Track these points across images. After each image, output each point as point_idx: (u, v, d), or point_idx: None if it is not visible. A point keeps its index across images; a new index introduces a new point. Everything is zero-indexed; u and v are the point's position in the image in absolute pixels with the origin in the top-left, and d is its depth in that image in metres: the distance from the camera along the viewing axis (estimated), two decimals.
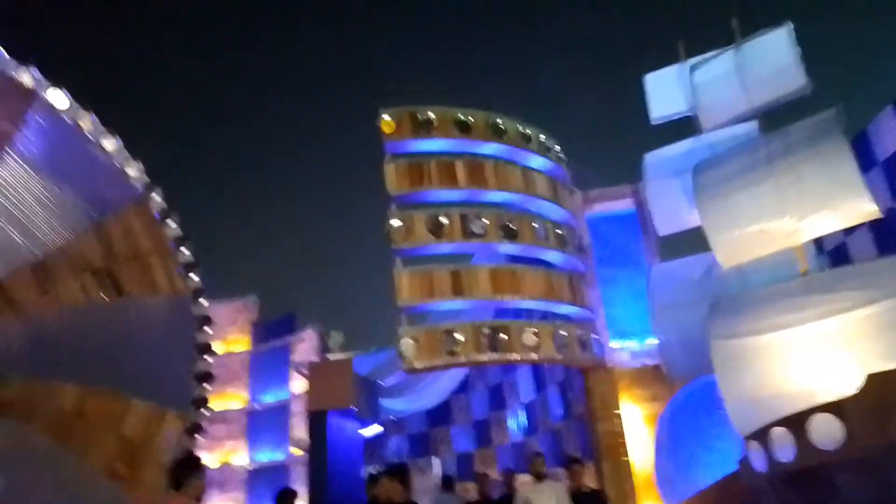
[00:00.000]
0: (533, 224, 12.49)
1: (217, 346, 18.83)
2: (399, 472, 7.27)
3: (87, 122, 12.91)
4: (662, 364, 12.75)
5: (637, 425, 12.98)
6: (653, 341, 13.32)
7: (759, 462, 7.74)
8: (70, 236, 13.86)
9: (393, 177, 11.92)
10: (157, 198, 13.63)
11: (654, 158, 13.54)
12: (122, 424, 13.29)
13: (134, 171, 13.40)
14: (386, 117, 12.23)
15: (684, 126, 13.91)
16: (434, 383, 19.29)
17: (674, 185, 12.94)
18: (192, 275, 14.01)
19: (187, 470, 5.40)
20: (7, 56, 12.25)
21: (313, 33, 55.06)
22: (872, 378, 6.70)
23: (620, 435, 12.53)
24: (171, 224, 13.77)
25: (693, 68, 12.93)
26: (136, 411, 13.38)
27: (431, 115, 12.47)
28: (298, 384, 17.96)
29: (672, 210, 13.07)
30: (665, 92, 13.96)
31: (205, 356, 14.08)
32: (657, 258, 14.49)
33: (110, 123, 13.35)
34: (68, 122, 12.84)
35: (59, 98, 12.69)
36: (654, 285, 12.73)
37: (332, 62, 56.20)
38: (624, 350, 13.92)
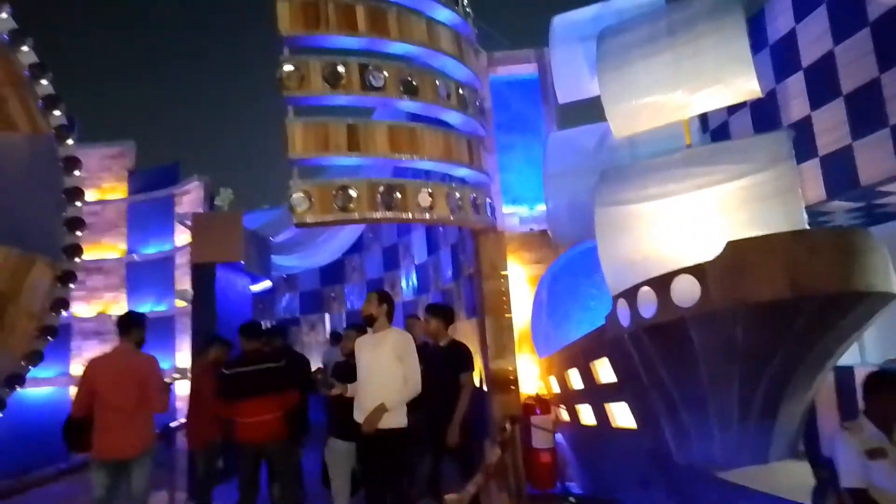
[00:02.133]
0: (435, 81, 12.04)
1: (90, 194, 17.55)
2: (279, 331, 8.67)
3: None
4: (549, 229, 13.31)
5: (521, 285, 13.71)
6: (542, 208, 13.79)
7: (624, 317, 8.42)
8: None
9: (286, 16, 10.89)
10: (5, 16, 11.77)
11: (562, 22, 13.24)
12: None
13: None
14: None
15: None
16: (328, 241, 19.24)
17: (578, 52, 12.83)
18: (55, 111, 12.56)
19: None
20: None
21: None
22: (731, 244, 7.29)
23: (505, 293, 13.22)
24: (26, 49, 12.04)
25: None
26: None
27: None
28: (183, 237, 17.26)
29: (574, 77, 13.06)
30: None
31: (75, 202, 13.03)
32: (555, 126, 14.64)
33: None
34: None
35: None
36: (549, 153, 12.96)
37: None
38: (514, 215, 14.36)
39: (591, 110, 12.90)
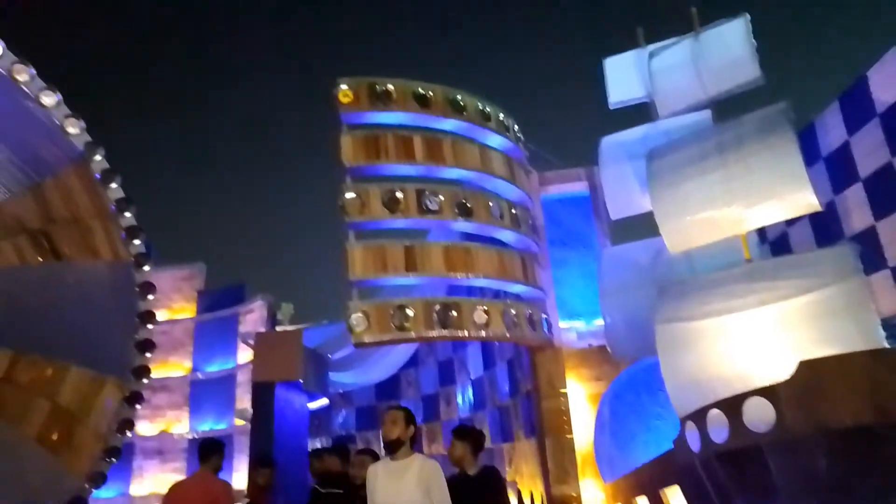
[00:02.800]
0: (488, 202, 12.47)
1: (161, 314, 18.35)
2: (340, 448, 7.58)
3: (25, 75, 12.18)
4: (608, 345, 13.04)
5: (581, 404, 13.28)
6: (599, 322, 13.60)
7: (693, 442, 8.01)
8: (3, 195, 13.17)
9: (349, 148, 11.68)
10: (99, 158, 13.03)
11: (610, 143, 13.67)
12: (56, 392, 12.84)
13: (74, 128, 12.75)
14: (344, 87, 11.94)
15: (641, 112, 14.09)
16: (384, 358, 19.29)
17: (627, 170, 13.12)
18: (135, 240, 13.50)
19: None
20: None
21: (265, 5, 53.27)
22: (804, 365, 6.97)
23: (565, 413, 12.80)
24: (114, 186, 13.20)
25: (651, 55, 13.04)
26: (73, 378, 12.94)
27: (391, 86, 12.24)
28: (245, 355, 17.67)
29: (625, 194, 13.27)
30: (623, 77, 14.06)
31: (147, 324, 13.66)
32: (608, 241, 14.73)
33: (51, 79, 12.63)
34: (4, 75, 12.09)
35: None
36: (604, 268, 12.95)
37: (287, 33, 54.63)
38: (572, 330, 14.18)
39: (643, 225, 13.01)
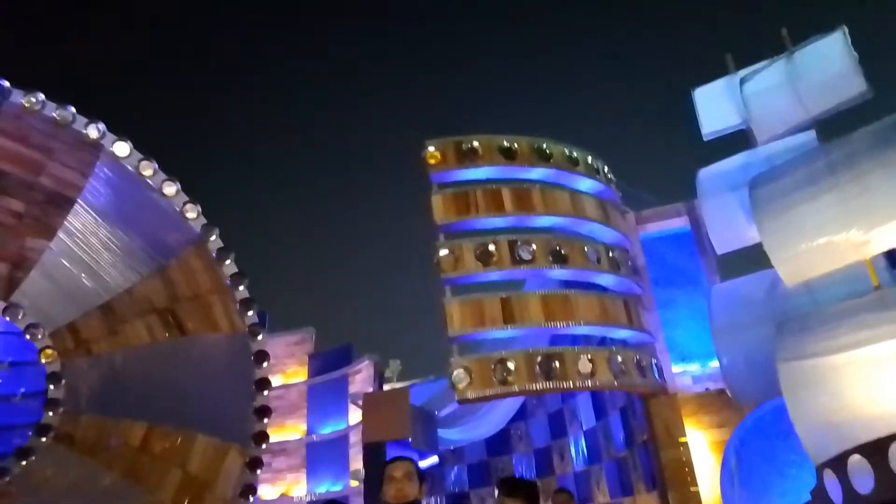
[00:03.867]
0: (584, 247, 12.25)
1: (276, 379, 19.19)
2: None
3: (149, 169, 13.54)
4: (727, 388, 12.19)
5: (703, 453, 12.40)
6: (715, 364, 12.77)
7: (834, 492, 7.24)
8: (135, 279, 14.52)
9: (440, 207, 11.95)
10: (214, 238, 14.13)
11: (708, 174, 13.13)
12: (187, 460, 13.65)
13: (192, 213, 13.94)
14: (431, 148, 12.33)
15: (738, 140, 13.50)
16: (491, 412, 19.05)
17: (730, 201, 12.49)
18: (249, 312, 14.39)
19: None
20: (75, 112, 13.03)
21: (365, 69, 56.45)
22: None
23: (688, 463, 12.00)
24: (228, 262, 14.22)
25: (743, 80, 12.57)
26: (201, 447, 13.73)
27: (476, 143, 12.50)
28: (356, 415, 18.03)
29: (729, 227, 12.60)
30: (715, 106, 13.60)
31: (263, 391, 14.35)
32: (717, 277, 13.96)
33: (167, 168, 13.97)
34: (131, 170, 13.51)
35: (122, 148, 13.39)
36: (715, 306, 12.24)
37: (382, 94, 57.38)
38: (686, 374, 13.40)
39: (753, 258, 12.26)
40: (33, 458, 13.66)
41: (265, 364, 14.54)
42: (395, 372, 22.46)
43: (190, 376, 13.78)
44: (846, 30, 10.72)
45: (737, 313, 11.72)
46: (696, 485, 11.91)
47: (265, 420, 14.39)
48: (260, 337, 14.53)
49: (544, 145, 13.10)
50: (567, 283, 12.96)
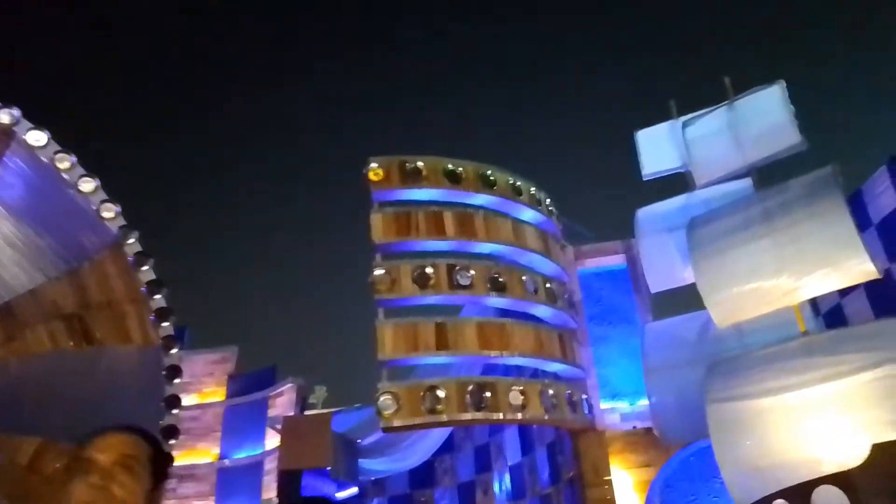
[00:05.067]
0: (522, 277, 12.09)
1: (191, 399, 18.03)
2: None
3: (66, 162, 12.56)
4: (655, 427, 12.17)
5: (628, 492, 12.28)
6: (644, 402, 12.77)
7: None
8: (41, 280, 13.31)
9: (379, 226, 11.56)
10: (132, 241, 13.14)
11: (647, 214, 13.32)
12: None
13: (110, 213, 12.96)
14: (374, 165, 11.98)
15: (677, 182, 13.81)
16: (418, 442, 18.49)
17: (667, 242, 12.67)
18: (164, 322, 13.38)
19: None
20: None
21: (303, 80, 55.70)
22: (879, 448, 6.23)
23: (612, 502, 11.83)
24: (146, 268, 13.22)
25: (685, 125, 12.89)
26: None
27: (421, 164, 12.24)
28: (274, 440, 17.09)
29: (665, 267, 12.76)
30: (657, 148, 13.91)
31: (172, 409, 13.32)
32: (650, 316, 14.08)
33: (90, 163, 13.00)
34: (45, 161, 12.48)
35: (37, 137, 12.38)
36: (648, 345, 12.29)
37: (318, 109, 56.74)
38: (615, 412, 13.34)
39: (686, 298, 12.40)
40: None
41: (177, 380, 13.51)
42: (320, 398, 21.55)
43: (94, 390, 12.62)
44: (784, 84, 11.15)
45: (669, 353, 11.78)
46: None
47: (171, 441, 13.33)
48: (174, 351, 13.52)
49: (489, 172, 12.97)
50: (504, 312, 12.74)
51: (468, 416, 10.36)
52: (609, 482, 12.07)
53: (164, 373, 13.23)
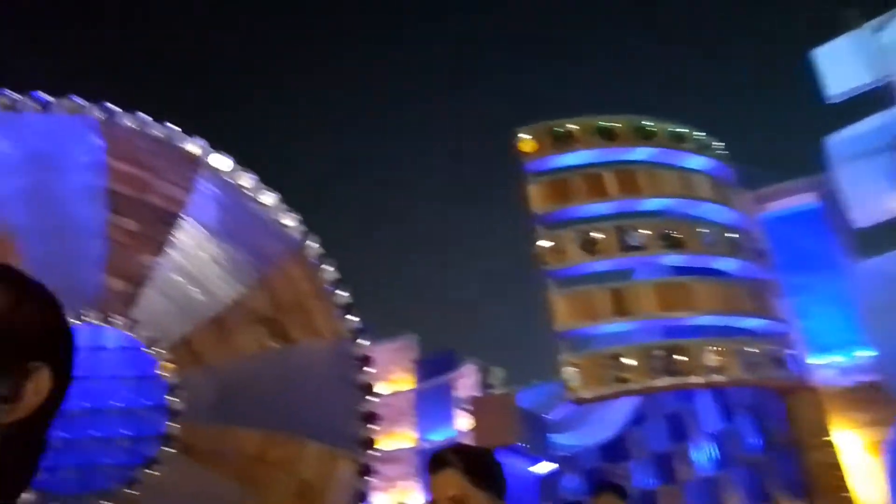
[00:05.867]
0: (698, 230, 11.18)
1: (382, 387, 19.07)
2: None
3: (247, 180, 13.79)
4: (882, 380, 10.63)
5: (856, 454, 10.89)
6: (864, 354, 11.23)
7: None
8: (242, 290, 14.78)
9: (537, 196, 11.31)
10: (312, 245, 14.16)
11: (841, 140, 11.66)
12: (299, 467, 13.65)
13: (290, 221, 14.04)
14: (524, 136, 11.72)
15: (868, 102, 11.94)
16: (605, 415, 18.01)
17: (869, 168, 11.01)
18: (349, 316, 14.27)
19: None
20: (175, 128, 13.50)
21: (456, 72, 56.29)
22: None
23: (836, 466, 10.56)
24: (327, 268, 14.19)
25: (876, 30, 11.07)
26: (313, 455, 13.70)
27: (571, 126, 11.76)
28: (464, 421, 17.58)
29: (870, 197, 11.10)
30: (841, 65, 12.11)
31: (368, 396, 14.16)
32: (856, 256, 12.35)
33: (266, 180, 14.17)
34: (230, 182, 13.80)
35: (221, 161, 13.71)
36: (862, 288, 10.76)
37: (477, 85, 56.82)
38: (829, 367, 11.88)
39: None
40: (158, 467, 14.19)
41: (369, 369, 14.37)
42: (498, 379, 21.85)
43: (298, 384, 13.82)
44: None
45: (889, 294, 10.21)
46: (846, 490, 10.47)
47: (372, 426, 14.19)
48: (362, 341, 14.39)
49: (645, 123, 12.14)
50: (681, 270, 11.88)
51: (660, 382, 9.81)
52: (829, 444, 10.81)
53: (356, 363, 14.09)
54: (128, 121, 13.27)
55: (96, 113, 13.31)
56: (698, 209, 11.75)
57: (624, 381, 9.68)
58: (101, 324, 15.18)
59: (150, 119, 13.21)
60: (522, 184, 11.68)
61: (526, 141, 11.64)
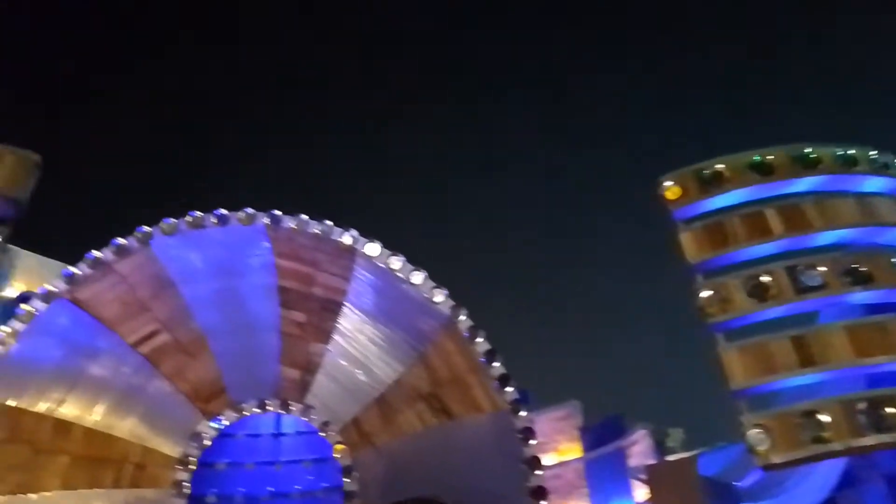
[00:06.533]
0: (891, 260, 9.80)
1: (548, 458, 18.36)
2: None
3: (397, 262, 14.41)
4: None
5: None
6: None
7: None
8: (401, 369, 15.23)
9: (691, 244, 10.64)
10: (463, 318, 14.33)
11: None
12: None
13: (440, 297, 14.37)
14: (668, 184, 11.19)
15: None
16: (807, 479, 15.84)
17: None
18: (507, 388, 14.08)
19: None
20: (330, 223, 14.59)
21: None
22: None
23: None
24: (480, 340, 14.24)
25: None
26: None
27: (720, 166, 11.05)
28: (642, 491, 16.32)
29: None
30: None
31: (535, 470, 13.67)
32: None
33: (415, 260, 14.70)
34: (382, 266, 14.50)
35: (373, 248, 14.51)
36: None
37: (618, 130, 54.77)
38: None
39: None
40: None
41: (533, 441, 13.94)
42: (677, 441, 20.32)
43: (461, 460, 13.74)
44: None
45: None
46: None
47: (543, 501, 13.60)
48: (523, 413, 14.06)
49: (806, 150, 11.08)
50: (874, 308, 10.39)
51: (868, 440, 8.46)
52: None
53: (518, 435, 13.77)
54: (289, 222, 14.58)
55: (263, 219, 14.82)
56: (884, 236, 10.36)
57: (823, 441, 8.51)
58: (281, 411, 16.33)
59: (308, 218, 14.47)
60: (673, 233, 11.08)
61: (670, 188, 11.10)
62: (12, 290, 15.31)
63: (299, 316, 15.68)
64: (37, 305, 13.04)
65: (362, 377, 15.92)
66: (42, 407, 13.33)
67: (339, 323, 15.41)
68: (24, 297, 13.80)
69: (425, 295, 14.46)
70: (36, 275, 15.47)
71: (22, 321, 12.84)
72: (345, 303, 15.43)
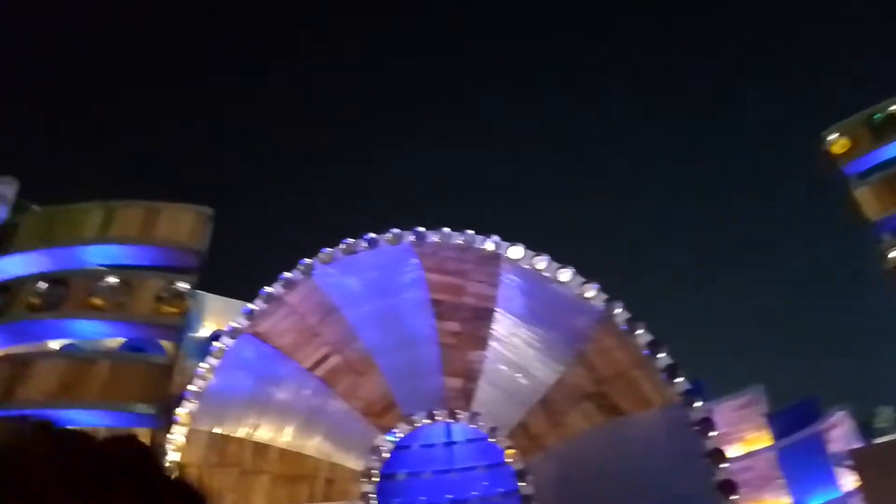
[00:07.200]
0: None
1: (734, 449, 17.13)
2: None
3: (542, 262, 14.27)
4: None
5: None
6: None
7: None
8: (562, 369, 15.03)
9: (870, 200, 9.41)
10: (619, 311, 13.84)
11: None
12: None
13: (591, 292, 14.00)
14: (833, 136, 10.00)
15: None
16: None
17: None
18: (677, 379, 13.34)
19: None
20: (471, 232, 14.81)
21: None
22: None
23: None
24: (640, 332, 13.64)
25: None
26: None
27: (894, 108, 9.68)
28: (850, 479, 14.67)
29: None
30: None
31: (720, 464, 12.78)
32: None
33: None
34: (528, 268, 14.43)
35: (516, 251, 14.50)
36: None
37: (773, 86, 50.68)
38: None
39: None
40: None
41: (713, 433, 13.03)
42: (889, 420, 18.26)
43: (635, 457, 13.21)
44: None
45: None
46: None
47: (733, 496, 12.66)
48: (697, 404, 13.21)
49: None
50: None
51: None
52: None
53: (695, 428, 12.98)
54: (433, 236, 15.00)
55: (409, 237, 15.39)
56: None
57: None
58: (450, 420, 16.76)
59: (450, 231, 14.80)
60: (846, 192, 9.87)
61: (838, 142, 9.91)
62: (205, 331, 17.25)
63: (454, 326, 16.05)
64: (226, 342, 14.55)
65: (523, 380, 15.90)
66: (242, 432, 14.79)
67: (493, 329, 15.54)
68: (216, 336, 15.47)
69: (575, 291, 14.16)
70: (221, 315, 17.30)
71: (216, 357, 14.38)
72: (496, 309, 15.55)
